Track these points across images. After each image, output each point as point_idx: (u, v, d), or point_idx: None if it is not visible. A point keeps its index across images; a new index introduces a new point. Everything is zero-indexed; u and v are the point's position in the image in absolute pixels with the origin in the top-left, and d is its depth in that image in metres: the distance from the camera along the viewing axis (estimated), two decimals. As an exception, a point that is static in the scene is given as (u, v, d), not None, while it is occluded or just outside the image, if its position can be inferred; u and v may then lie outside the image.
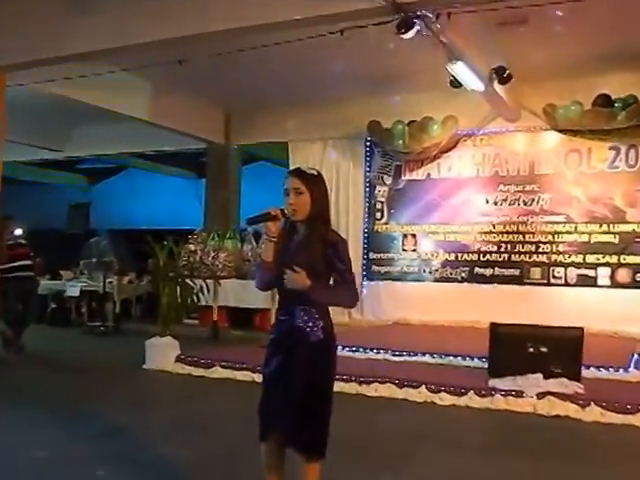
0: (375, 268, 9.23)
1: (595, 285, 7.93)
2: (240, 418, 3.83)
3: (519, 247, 8.39)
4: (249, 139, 10.05)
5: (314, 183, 2.49)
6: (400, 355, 6.26)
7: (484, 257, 8.60)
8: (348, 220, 9.30)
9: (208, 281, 7.47)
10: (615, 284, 7.83)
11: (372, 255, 9.25)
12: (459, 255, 8.75)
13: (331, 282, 2.45)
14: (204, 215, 10.48)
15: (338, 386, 4.43)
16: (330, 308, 2.52)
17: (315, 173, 2.52)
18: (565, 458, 3.62)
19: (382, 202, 9.25)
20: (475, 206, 8.71)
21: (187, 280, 6.64)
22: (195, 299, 6.73)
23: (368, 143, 9.27)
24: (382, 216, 9.25)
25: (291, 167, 9.41)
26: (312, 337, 2.44)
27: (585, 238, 8.08)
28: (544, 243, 8.25)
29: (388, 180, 9.22)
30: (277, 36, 5.75)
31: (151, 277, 7.30)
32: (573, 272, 8.05)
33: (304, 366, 2.43)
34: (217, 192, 10.30)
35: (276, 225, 2.49)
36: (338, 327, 2.51)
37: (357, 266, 9.19)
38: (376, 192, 9.32)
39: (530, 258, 8.31)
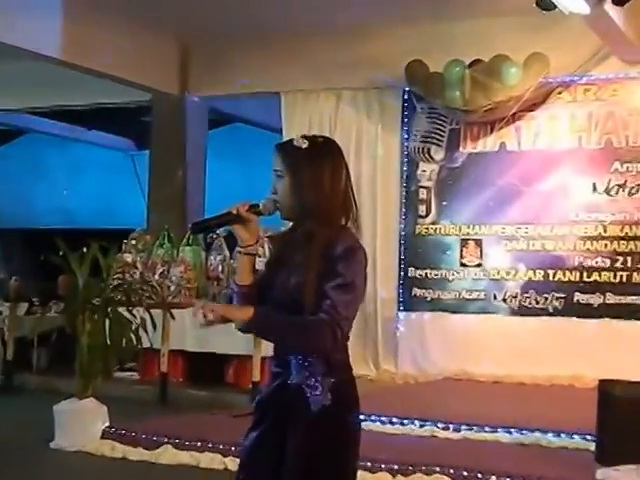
0: (417, 292, 9.26)
1: None
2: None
3: (645, 262, 8.57)
4: (219, 88, 10.10)
5: (297, 159, 2.62)
6: (457, 430, 6.26)
7: (589, 276, 8.62)
8: (375, 217, 9.31)
9: (154, 311, 7.48)
10: None
11: (412, 272, 9.30)
12: (550, 273, 8.77)
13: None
14: (148, 208, 10.48)
15: None
16: (350, 354, 2.61)
17: (303, 145, 2.64)
18: None
19: (428, 189, 9.31)
20: (576, 196, 8.72)
21: (121, 310, 6.71)
22: (134, 340, 6.78)
23: (406, 96, 9.31)
24: (428, 211, 9.31)
25: (285, 134, 9.61)
26: (314, 404, 2.51)
27: None
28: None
29: (438, 154, 9.28)
30: None
31: (64, 305, 7.36)
32: None
33: (298, 454, 2.50)
34: (168, 171, 10.29)
35: (250, 229, 2.65)
36: (360, 385, 2.53)
37: (388, 288, 9.26)
38: (419, 173, 9.33)
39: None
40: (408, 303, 9.28)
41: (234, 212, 2.65)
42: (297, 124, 9.50)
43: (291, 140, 2.70)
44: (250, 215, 2.65)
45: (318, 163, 2.63)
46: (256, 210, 2.67)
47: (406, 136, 9.43)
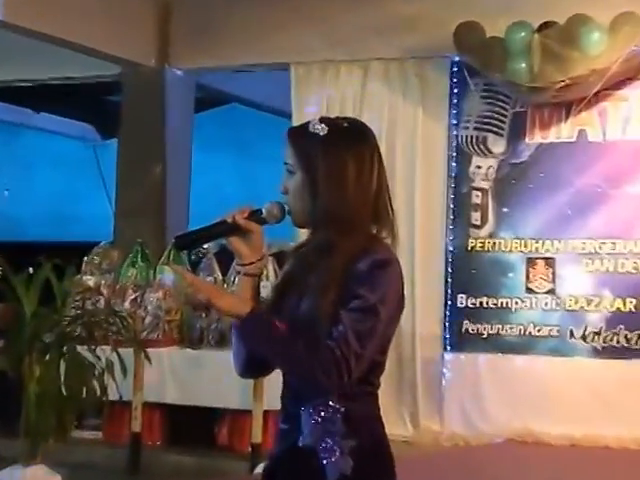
0: (469, 327, 9.14)
1: None
2: None
3: None
4: (208, 59, 10.09)
5: (313, 149, 2.72)
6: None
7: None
8: (413, 229, 9.19)
9: (124, 351, 7.51)
10: None
11: (462, 301, 9.18)
12: (647, 304, 8.87)
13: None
14: (115, 215, 10.50)
15: None
16: (381, 407, 2.69)
17: (322, 130, 2.73)
18: None
19: (484, 191, 9.22)
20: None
21: (80, 350, 6.77)
22: (97, 389, 6.77)
23: (455, 69, 9.24)
24: (484, 220, 9.21)
25: (295, 118, 9.59)
26: (331, 474, 2.60)
27: None
28: None
29: (497, 145, 9.21)
30: None
31: (4, 343, 7.34)
32: None
33: None
34: (142, 167, 10.32)
35: (251, 242, 2.74)
36: (394, 448, 2.62)
37: (431, 321, 9.18)
38: (472, 170, 9.25)
39: None
40: (457, 341, 9.12)
41: (230, 221, 2.71)
42: (311, 105, 9.35)
43: (306, 124, 2.75)
44: (251, 224, 2.71)
45: (341, 153, 2.69)
46: (259, 217, 2.74)
47: (455, 122, 9.26)
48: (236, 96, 11.67)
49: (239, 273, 2.79)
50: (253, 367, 2.81)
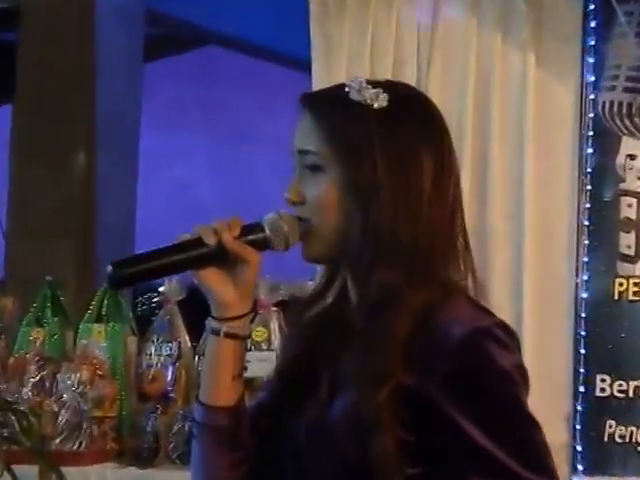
0: (616, 431, 8.68)
1: None
2: None
3: None
4: None
5: (364, 132, 2.76)
6: None
7: None
8: (518, 263, 8.83)
9: (21, 469, 7.18)
10: None
11: (606, 385, 8.71)
12: None
13: None
14: (6, 236, 10.53)
15: None
16: None
17: (377, 99, 2.78)
18: None
19: None
20: None
21: None
22: None
23: None
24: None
25: (317, 74, 9.36)
26: None
27: None
28: None
29: None
30: None
31: None
32: None
33: None
34: (54, 153, 10.15)
35: (240, 279, 2.82)
36: None
37: (552, 420, 8.42)
38: (620, 162, 8.84)
39: None
40: (596, 455, 8.64)
41: (210, 242, 2.72)
42: (345, 52, 8.97)
43: (342, 88, 2.79)
44: (246, 249, 2.75)
45: (414, 142, 2.75)
46: (258, 238, 2.77)
47: (592, 78, 8.80)
48: (215, 33, 11.69)
49: (214, 333, 2.80)
50: None
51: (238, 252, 2.76)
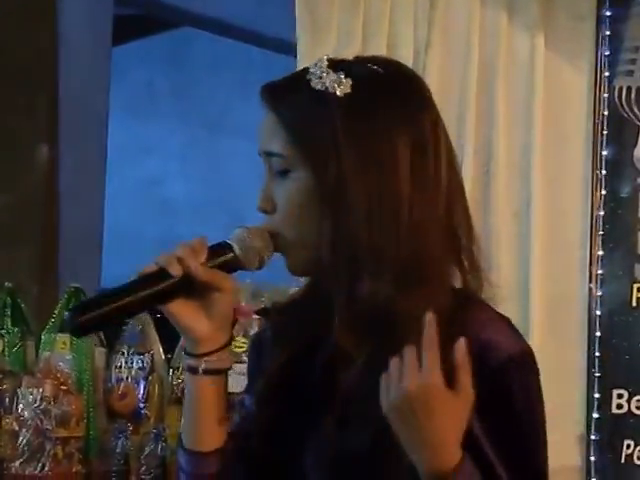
0: (635, 452, 8.48)
1: None
2: None
3: None
4: None
5: (327, 125, 2.64)
6: None
7: None
8: (525, 268, 8.60)
9: None
10: None
11: (623, 402, 8.54)
12: None
13: None
14: None
15: None
16: None
17: (338, 86, 2.67)
18: None
19: None
20: None
21: None
22: None
23: None
24: None
25: (302, 55, 8.90)
26: None
27: None
28: None
29: None
30: None
31: None
32: None
33: None
34: (14, 145, 10.10)
35: (214, 309, 2.70)
36: None
37: (564, 441, 8.35)
38: (636, 155, 8.62)
39: None
40: (612, 479, 8.34)
41: (175, 272, 2.59)
42: (334, 31, 8.58)
43: (303, 75, 2.68)
44: (217, 274, 2.63)
45: (383, 129, 2.60)
46: (227, 259, 2.65)
47: (607, 62, 8.57)
48: (190, 13, 11.46)
49: (191, 371, 2.71)
50: None
51: (209, 280, 2.61)
